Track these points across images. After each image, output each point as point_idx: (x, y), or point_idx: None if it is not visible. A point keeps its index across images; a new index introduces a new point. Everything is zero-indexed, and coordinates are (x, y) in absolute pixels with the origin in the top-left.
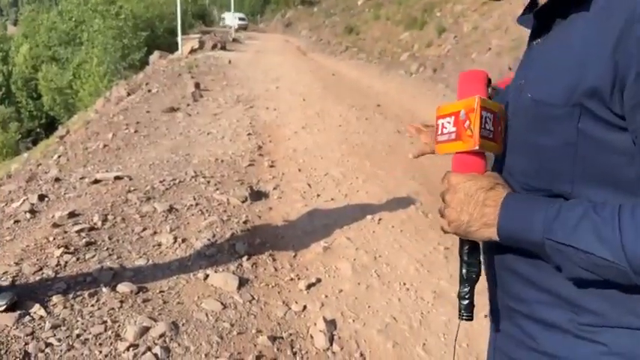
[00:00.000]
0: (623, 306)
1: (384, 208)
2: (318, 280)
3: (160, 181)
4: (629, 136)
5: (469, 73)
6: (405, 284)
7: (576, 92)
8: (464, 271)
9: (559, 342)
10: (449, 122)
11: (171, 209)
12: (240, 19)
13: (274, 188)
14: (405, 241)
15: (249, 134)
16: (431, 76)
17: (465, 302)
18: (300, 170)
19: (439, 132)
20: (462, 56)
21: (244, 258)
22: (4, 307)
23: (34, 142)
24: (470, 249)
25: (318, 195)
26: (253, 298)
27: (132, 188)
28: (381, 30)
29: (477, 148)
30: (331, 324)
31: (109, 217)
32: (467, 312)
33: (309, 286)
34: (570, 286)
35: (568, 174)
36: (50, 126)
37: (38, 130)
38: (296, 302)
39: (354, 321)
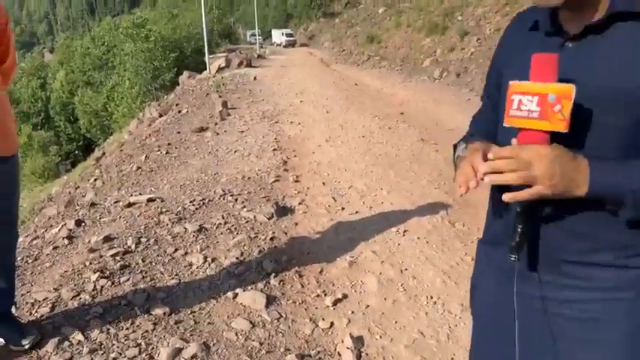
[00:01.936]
0: None
1: (409, 219)
2: (345, 296)
3: (191, 201)
4: None
5: (544, 56)
6: (431, 297)
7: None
8: (519, 226)
9: (612, 274)
10: (530, 101)
11: (201, 229)
12: (288, 35)
13: (300, 203)
14: (431, 252)
15: (274, 150)
16: (455, 81)
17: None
18: (324, 184)
19: (515, 107)
20: (485, 59)
21: (272, 275)
22: (28, 346)
23: (73, 164)
24: (524, 207)
25: (343, 208)
26: (281, 316)
27: (164, 210)
28: (403, 37)
29: (566, 131)
30: (358, 340)
31: (142, 239)
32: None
33: (335, 302)
34: (621, 232)
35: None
36: (88, 147)
37: (76, 152)
38: (323, 319)
39: (381, 337)
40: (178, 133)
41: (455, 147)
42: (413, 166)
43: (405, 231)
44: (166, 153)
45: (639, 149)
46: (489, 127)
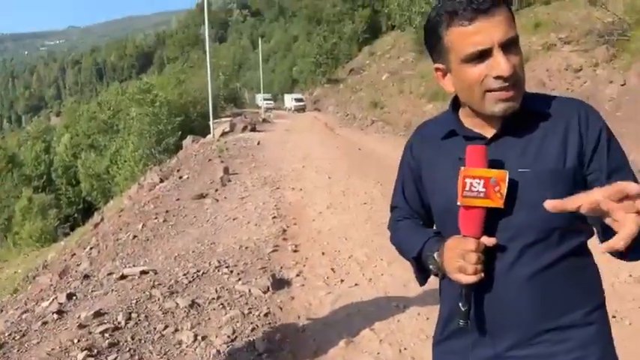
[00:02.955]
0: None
1: (409, 293)
2: None
3: (184, 274)
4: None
5: (476, 147)
6: None
7: (568, 160)
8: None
9: (576, 334)
10: (478, 182)
11: (193, 304)
12: (297, 99)
13: (297, 275)
14: (431, 330)
15: (274, 217)
16: None
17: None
18: (323, 254)
19: (467, 188)
20: None
21: (264, 355)
22: None
23: (72, 228)
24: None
25: (342, 280)
26: None
27: (156, 283)
28: (406, 103)
29: (502, 207)
30: None
31: (133, 315)
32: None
33: None
34: (580, 292)
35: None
36: (87, 211)
37: (76, 215)
38: None
39: None
40: (177, 200)
41: (415, 259)
42: None
43: (404, 306)
44: (164, 221)
45: (569, 217)
46: (426, 229)
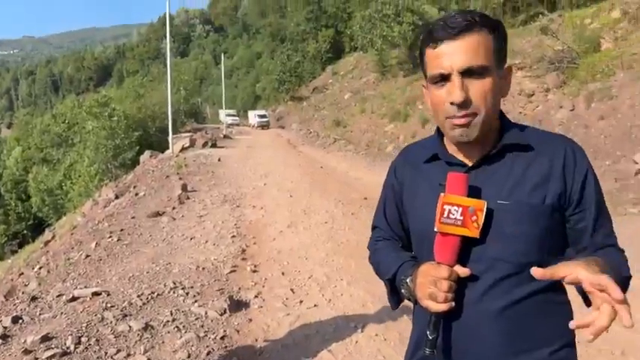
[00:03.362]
0: None
1: (368, 313)
2: None
3: (138, 295)
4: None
5: (457, 175)
6: None
7: (548, 196)
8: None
9: None
10: (457, 210)
11: (146, 327)
12: (260, 116)
13: (255, 296)
14: (388, 351)
15: (233, 236)
16: None
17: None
18: (283, 274)
19: (445, 215)
20: None
21: None
22: None
23: (20, 245)
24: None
25: (301, 301)
26: None
27: (109, 305)
28: (368, 122)
29: (478, 237)
30: None
31: (83, 339)
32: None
33: None
34: (551, 326)
35: (549, 249)
36: (38, 227)
37: (25, 232)
38: None
39: None
40: (133, 217)
41: (389, 281)
42: None
43: (363, 326)
44: (118, 240)
45: (553, 252)
46: (402, 252)
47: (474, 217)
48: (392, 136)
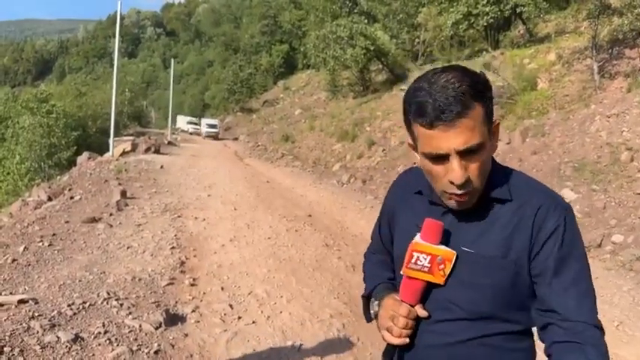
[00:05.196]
0: None
1: (306, 332)
2: None
3: (69, 305)
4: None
5: (433, 222)
6: None
7: (512, 251)
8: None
9: None
10: (425, 258)
11: (76, 338)
12: (210, 125)
13: (193, 311)
14: None
15: (172, 248)
16: (361, 187)
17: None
18: (222, 289)
19: (413, 261)
20: (389, 169)
21: None
22: None
23: None
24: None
25: (240, 317)
26: None
27: (36, 314)
28: (316, 140)
29: (443, 284)
30: None
31: (6, 349)
32: None
33: None
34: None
35: (504, 302)
36: None
37: None
38: None
39: None
40: (67, 222)
41: (365, 298)
42: (315, 273)
43: (300, 345)
44: (49, 245)
45: (512, 306)
46: (385, 271)
47: (442, 266)
48: (339, 155)
